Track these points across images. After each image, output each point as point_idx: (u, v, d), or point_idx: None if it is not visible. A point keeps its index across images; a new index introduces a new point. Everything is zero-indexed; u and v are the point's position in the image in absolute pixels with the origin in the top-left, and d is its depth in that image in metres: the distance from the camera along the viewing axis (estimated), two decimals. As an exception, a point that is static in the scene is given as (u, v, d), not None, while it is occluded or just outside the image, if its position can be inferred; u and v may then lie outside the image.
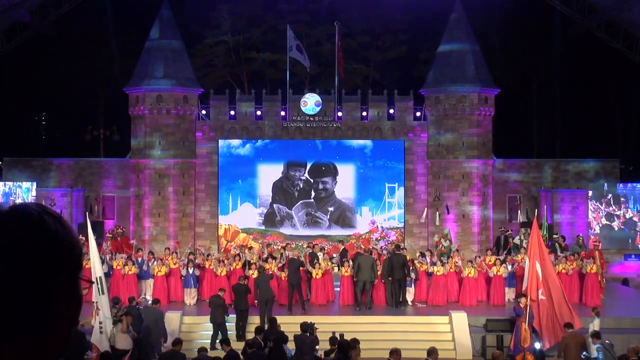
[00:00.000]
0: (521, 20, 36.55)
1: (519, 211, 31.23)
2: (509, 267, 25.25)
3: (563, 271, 24.25)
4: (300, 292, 23.89)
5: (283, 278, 24.43)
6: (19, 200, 30.24)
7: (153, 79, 32.00)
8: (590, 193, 31.37)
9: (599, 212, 31.23)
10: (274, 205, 32.90)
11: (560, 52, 38.85)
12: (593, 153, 35.47)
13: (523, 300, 20.71)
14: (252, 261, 25.26)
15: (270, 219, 32.88)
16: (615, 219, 31.22)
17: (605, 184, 31.76)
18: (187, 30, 35.11)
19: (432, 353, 16.01)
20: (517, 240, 28.09)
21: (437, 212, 31.84)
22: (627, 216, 31.35)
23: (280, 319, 20.35)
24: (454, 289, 24.90)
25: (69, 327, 1.76)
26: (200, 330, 21.95)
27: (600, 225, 31.20)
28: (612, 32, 33.97)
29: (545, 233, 25.70)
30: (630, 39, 33.85)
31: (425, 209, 32.22)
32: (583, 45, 36.97)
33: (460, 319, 22.54)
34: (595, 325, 19.75)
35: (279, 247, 29.15)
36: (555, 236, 28.46)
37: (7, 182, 31.68)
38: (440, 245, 29.04)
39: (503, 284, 25.08)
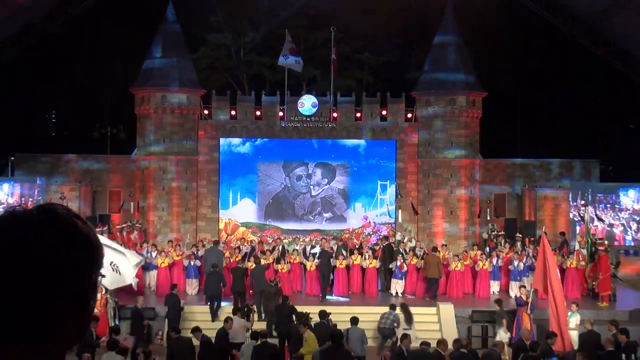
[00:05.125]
0: (509, 28, 36.63)
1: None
2: (494, 261, 25.49)
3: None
4: (330, 282, 24.51)
5: (280, 270, 24.64)
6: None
7: (159, 80, 32.13)
8: (579, 197, 31.36)
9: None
10: (272, 201, 33.05)
11: (546, 57, 38.97)
12: (574, 153, 35.62)
13: (524, 291, 21.10)
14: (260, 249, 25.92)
15: (268, 214, 33.05)
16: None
17: (589, 189, 31.69)
18: (190, 34, 35.14)
19: (440, 343, 16.39)
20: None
21: (399, 210, 31.96)
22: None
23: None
24: (441, 281, 25.05)
25: (91, 317, 1.80)
26: (201, 319, 22.02)
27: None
28: (594, 40, 34.16)
29: (589, 239, 25.39)
30: (611, 45, 34.05)
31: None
32: (567, 52, 37.11)
33: (447, 310, 22.74)
34: (575, 320, 19.90)
35: (276, 240, 29.43)
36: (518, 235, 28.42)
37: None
38: (407, 242, 28.80)
39: (488, 277, 25.30)
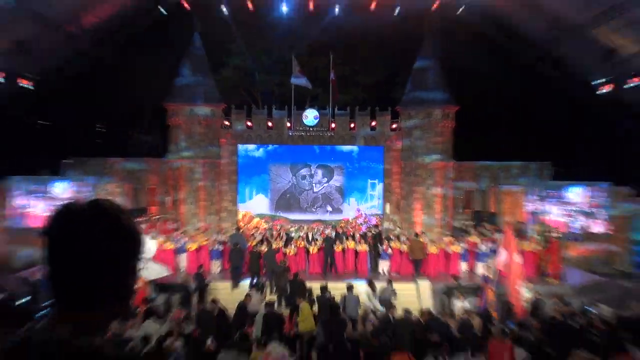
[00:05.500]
0: (477, 53, 36.88)
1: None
2: (463, 246, 25.86)
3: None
4: (333, 262, 24.84)
5: (288, 253, 25.00)
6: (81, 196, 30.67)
7: (187, 96, 32.42)
8: (532, 191, 31.69)
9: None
10: (281, 196, 33.35)
11: (508, 76, 39.12)
12: (531, 157, 35.84)
13: (489, 270, 21.45)
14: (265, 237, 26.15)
15: (278, 207, 33.44)
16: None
17: (538, 185, 32.01)
18: (213, 58, 35.41)
19: (422, 313, 16.76)
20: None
21: (387, 203, 32.31)
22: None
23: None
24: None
25: (132, 296, 1.86)
26: (223, 293, 22.41)
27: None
28: (546, 62, 34.36)
29: (542, 228, 25.62)
30: (561, 67, 34.25)
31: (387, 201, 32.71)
32: (525, 71, 37.33)
33: (424, 285, 23.13)
34: (529, 296, 20.21)
35: (283, 229, 29.81)
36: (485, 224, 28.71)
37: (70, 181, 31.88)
38: (395, 229, 29.25)
39: (458, 258, 25.64)
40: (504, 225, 23.73)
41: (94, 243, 1.71)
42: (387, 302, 20.15)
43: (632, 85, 27.68)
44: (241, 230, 28.52)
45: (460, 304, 20.27)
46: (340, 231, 27.98)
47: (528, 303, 19.92)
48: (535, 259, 25.50)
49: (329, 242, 25.50)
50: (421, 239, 25.88)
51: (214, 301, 17.97)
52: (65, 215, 1.75)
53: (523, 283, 20.50)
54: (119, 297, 1.78)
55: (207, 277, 23.04)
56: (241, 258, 23.83)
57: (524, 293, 20.45)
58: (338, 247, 25.51)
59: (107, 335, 1.80)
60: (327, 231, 28.19)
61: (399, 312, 17.34)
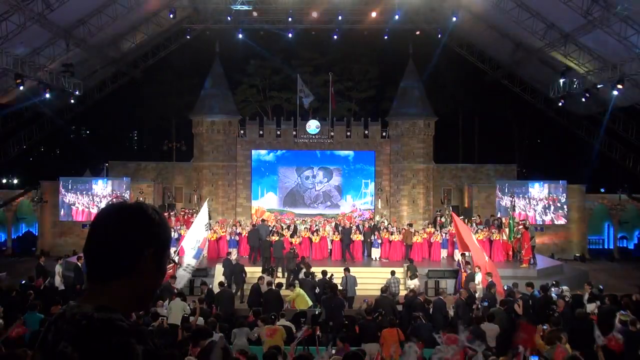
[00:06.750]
0: (453, 72, 36.66)
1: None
2: (443, 235, 25.52)
3: (479, 238, 24.26)
4: (349, 250, 24.53)
5: (294, 242, 24.64)
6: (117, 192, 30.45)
7: (209, 110, 32.20)
8: (500, 190, 31.29)
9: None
10: (288, 193, 33.07)
11: (479, 92, 38.91)
12: (499, 160, 35.61)
13: (462, 258, 21.00)
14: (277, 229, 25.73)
15: (285, 203, 33.09)
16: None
17: (504, 183, 31.59)
18: (231, 77, 35.20)
19: (410, 291, 16.31)
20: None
21: (379, 199, 32.06)
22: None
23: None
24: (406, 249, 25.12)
25: (154, 282, 1.82)
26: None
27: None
28: (511, 80, 34.20)
29: (511, 222, 24.99)
30: (524, 84, 34.08)
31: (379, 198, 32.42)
32: (494, 88, 37.10)
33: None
34: (478, 278, 19.17)
35: (291, 221, 29.45)
36: (473, 218, 28.22)
37: (108, 180, 31.52)
38: (383, 220, 28.87)
39: (439, 246, 25.35)
40: (451, 214, 23.12)
41: (114, 237, 1.75)
42: (388, 289, 19.16)
43: (583, 99, 27.40)
44: (265, 222, 28.27)
45: (410, 282, 20.26)
46: (341, 224, 27.59)
47: (481, 287, 18.72)
48: (506, 248, 25.13)
49: (347, 233, 25.17)
50: (411, 229, 25.69)
51: (221, 283, 17.74)
52: (104, 211, 1.80)
53: (486, 265, 19.73)
54: (126, 280, 1.76)
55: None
56: (257, 239, 23.83)
57: (474, 276, 19.48)
58: (336, 237, 25.20)
59: (130, 315, 1.79)
60: (346, 224, 27.39)
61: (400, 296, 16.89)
